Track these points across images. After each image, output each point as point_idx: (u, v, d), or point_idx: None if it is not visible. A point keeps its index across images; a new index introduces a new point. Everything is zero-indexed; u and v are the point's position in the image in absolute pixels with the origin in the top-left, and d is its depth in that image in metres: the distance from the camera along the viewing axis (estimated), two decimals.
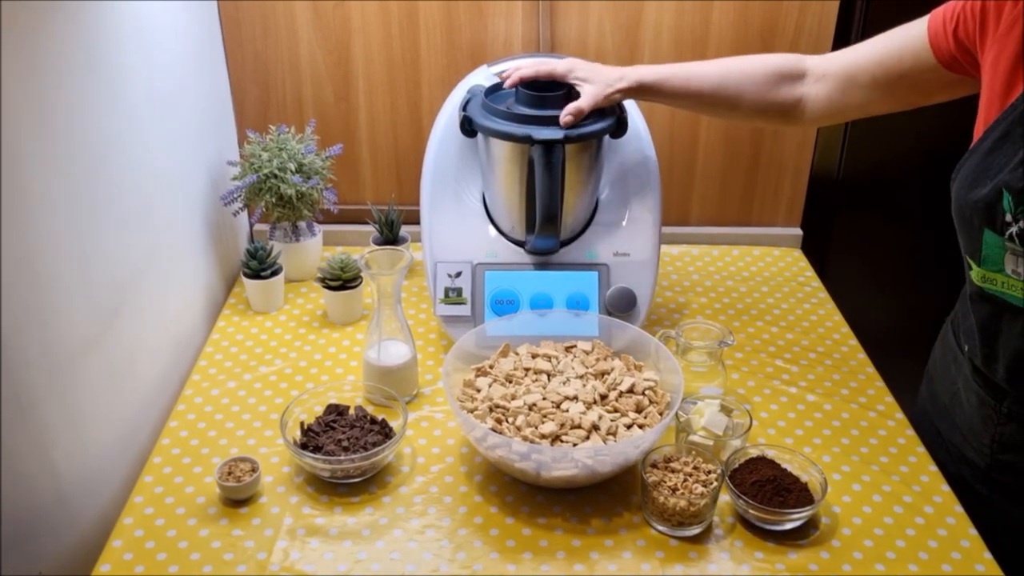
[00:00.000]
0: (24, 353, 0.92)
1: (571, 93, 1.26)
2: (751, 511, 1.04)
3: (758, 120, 1.33)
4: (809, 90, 1.17)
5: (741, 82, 1.19)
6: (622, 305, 1.30)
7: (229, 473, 1.09)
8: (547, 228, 1.24)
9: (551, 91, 1.25)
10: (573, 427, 1.08)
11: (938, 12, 1.04)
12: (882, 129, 1.60)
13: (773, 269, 1.63)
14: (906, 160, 1.77)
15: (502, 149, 1.25)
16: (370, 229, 1.57)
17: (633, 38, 1.55)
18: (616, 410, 1.12)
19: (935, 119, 1.37)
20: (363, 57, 1.56)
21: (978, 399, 1.10)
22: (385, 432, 1.14)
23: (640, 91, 1.22)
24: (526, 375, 1.18)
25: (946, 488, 1.11)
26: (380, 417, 1.17)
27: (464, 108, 1.28)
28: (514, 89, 1.27)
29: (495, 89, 1.31)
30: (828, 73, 1.15)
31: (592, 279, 1.31)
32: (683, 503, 1.01)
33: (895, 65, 1.08)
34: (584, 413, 1.10)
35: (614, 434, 1.09)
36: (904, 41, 1.07)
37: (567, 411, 1.10)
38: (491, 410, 1.11)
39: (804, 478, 1.07)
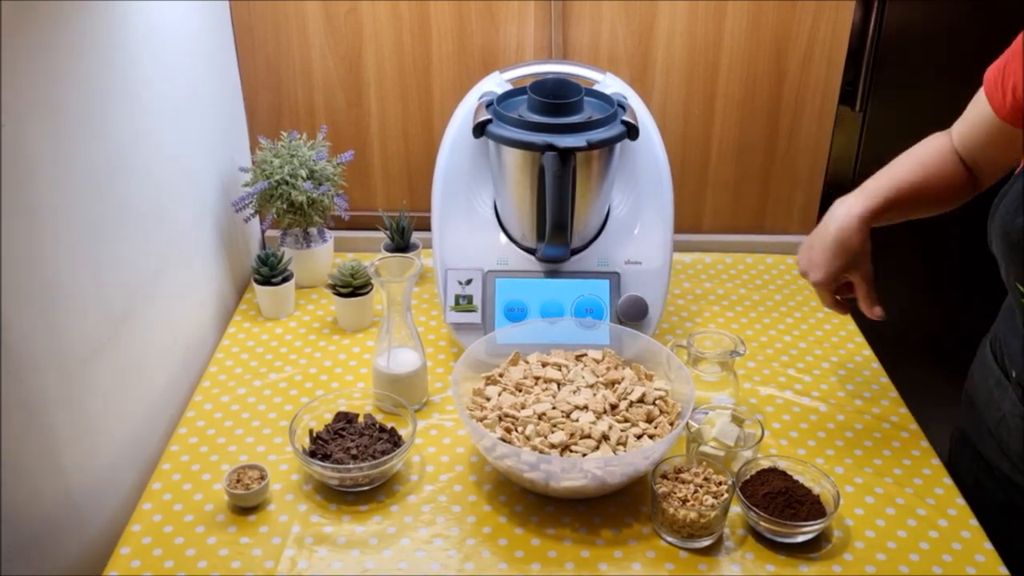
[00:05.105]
0: (33, 358, 0.92)
1: (582, 100, 1.26)
2: (762, 523, 1.02)
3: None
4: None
5: (944, 180, 1.14)
6: (633, 314, 1.30)
7: (238, 480, 1.08)
8: (557, 236, 1.23)
9: (564, 98, 1.24)
10: (583, 437, 1.07)
11: (992, 68, 1.05)
12: (896, 137, 1.59)
13: (787, 277, 1.61)
14: None
15: (513, 156, 1.25)
16: (381, 235, 1.57)
17: (646, 44, 1.54)
18: (626, 420, 1.11)
19: None
20: (375, 63, 1.56)
21: None
22: (394, 440, 1.14)
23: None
24: (536, 384, 1.17)
25: (961, 501, 1.10)
26: (389, 425, 1.16)
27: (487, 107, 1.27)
28: (526, 96, 1.27)
29: (507, 96, 1.31)
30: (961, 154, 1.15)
31: (603, 287, 1.31)
32: (693, 515, 1.00)
33: (975, 138, 1.09)
34: (594, 423, 1.09)
35: (624, 444, 1.08)
36: (974, 108, 1.08)
37: (577, 421, 1.09)
38: (500, 419, 1.10)
39: (816, 490, 1.06)
